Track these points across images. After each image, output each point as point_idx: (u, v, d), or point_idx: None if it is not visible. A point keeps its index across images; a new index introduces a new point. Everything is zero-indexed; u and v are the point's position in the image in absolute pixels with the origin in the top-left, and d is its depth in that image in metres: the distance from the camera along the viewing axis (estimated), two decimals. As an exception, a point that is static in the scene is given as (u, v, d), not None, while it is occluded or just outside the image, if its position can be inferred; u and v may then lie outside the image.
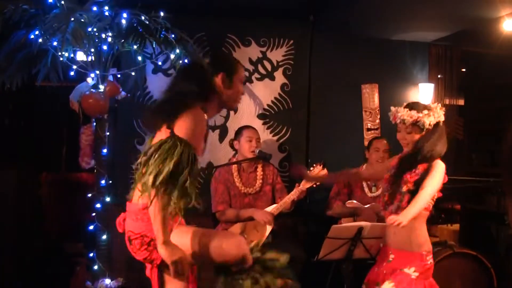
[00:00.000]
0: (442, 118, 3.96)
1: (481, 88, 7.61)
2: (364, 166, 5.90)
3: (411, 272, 3.87)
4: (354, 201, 5.82)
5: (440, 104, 4.02)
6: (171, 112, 3.18)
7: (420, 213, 3.85)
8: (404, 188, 3.88)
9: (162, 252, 3.00)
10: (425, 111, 3.90)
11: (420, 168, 3.89)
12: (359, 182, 5.85)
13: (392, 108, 4.03)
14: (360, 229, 4.61)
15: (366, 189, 5.90)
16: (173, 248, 3.02)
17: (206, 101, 3.31)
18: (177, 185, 2.95)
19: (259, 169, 5.73)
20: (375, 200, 5.77)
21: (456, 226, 7.65)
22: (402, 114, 3.91)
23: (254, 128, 5.80)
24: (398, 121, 3.95)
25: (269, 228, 5.36)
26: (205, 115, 3.28)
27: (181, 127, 3.11)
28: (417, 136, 3.95)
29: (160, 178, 2.93)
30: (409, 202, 3.83)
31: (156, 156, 2.99)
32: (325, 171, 5.29)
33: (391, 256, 3.97)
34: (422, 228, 3.96)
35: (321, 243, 4.65)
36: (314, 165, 5.38)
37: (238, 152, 5.73)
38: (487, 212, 7.09)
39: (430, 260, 3.95)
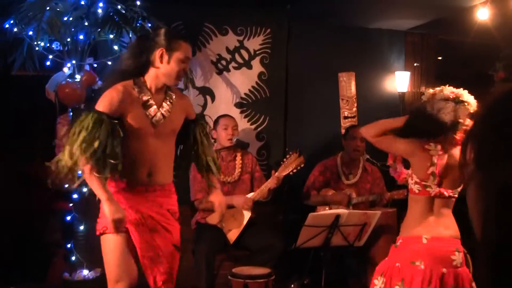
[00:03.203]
0: None
1: (457, 76, 7.65)
2: (340, 155, 5.93)
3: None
4: (330, 189, 5.85)
5: None
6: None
7: None
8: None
9: (106, 208, 3.41)
10: None
11: None
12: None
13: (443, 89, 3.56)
14: (338, 216, 4.64)
15: (343, 177, 5.91)
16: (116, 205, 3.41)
17: (139, 74, 3.66)
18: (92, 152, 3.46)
19: (238, 158, 5.73)
20: (351, 188, 5.80)
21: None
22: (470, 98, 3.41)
23: (231, 116, 5.80)
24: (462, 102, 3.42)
25: (247, 217, 5.38)
26: (129, 88, 3.64)
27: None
28: None
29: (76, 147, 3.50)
30: None
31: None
32: (301, 159, 5.33)
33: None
34: None
35: (299, 231, 4.68)
36: (291, 152, 5.42)
37: (217, 142, 5.72)
38: (464, 197, 7.15)
39: None
